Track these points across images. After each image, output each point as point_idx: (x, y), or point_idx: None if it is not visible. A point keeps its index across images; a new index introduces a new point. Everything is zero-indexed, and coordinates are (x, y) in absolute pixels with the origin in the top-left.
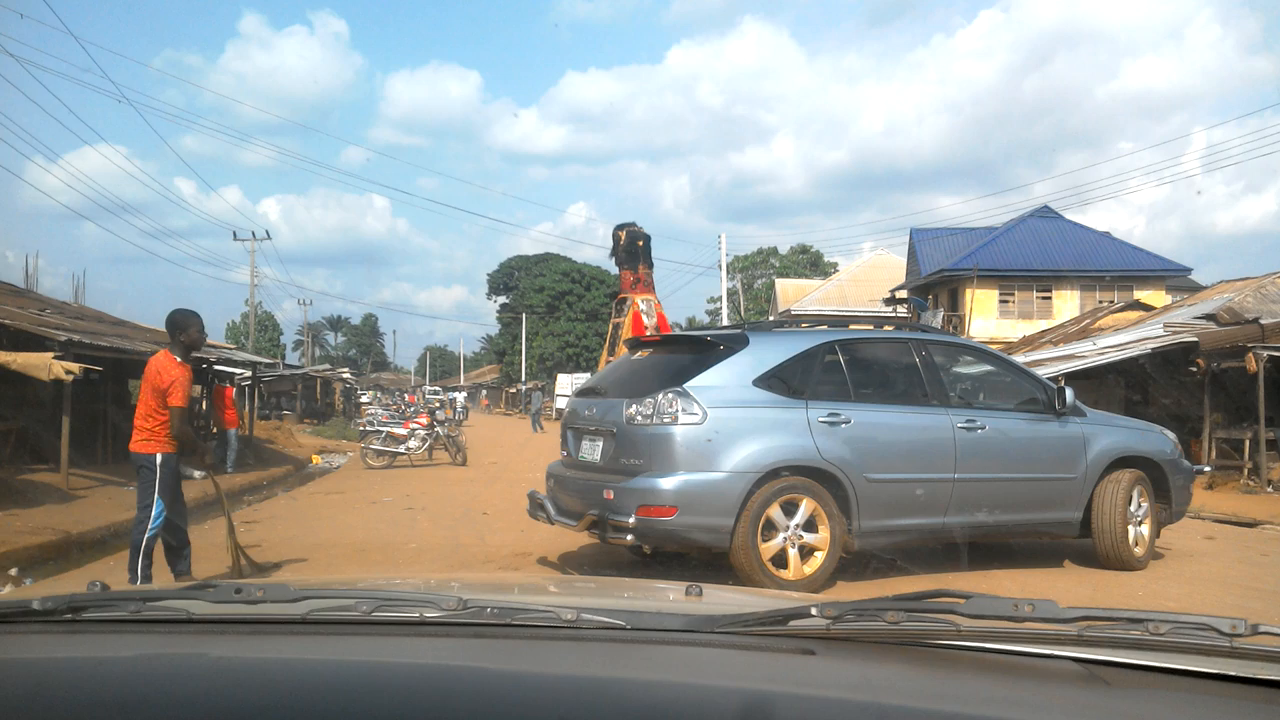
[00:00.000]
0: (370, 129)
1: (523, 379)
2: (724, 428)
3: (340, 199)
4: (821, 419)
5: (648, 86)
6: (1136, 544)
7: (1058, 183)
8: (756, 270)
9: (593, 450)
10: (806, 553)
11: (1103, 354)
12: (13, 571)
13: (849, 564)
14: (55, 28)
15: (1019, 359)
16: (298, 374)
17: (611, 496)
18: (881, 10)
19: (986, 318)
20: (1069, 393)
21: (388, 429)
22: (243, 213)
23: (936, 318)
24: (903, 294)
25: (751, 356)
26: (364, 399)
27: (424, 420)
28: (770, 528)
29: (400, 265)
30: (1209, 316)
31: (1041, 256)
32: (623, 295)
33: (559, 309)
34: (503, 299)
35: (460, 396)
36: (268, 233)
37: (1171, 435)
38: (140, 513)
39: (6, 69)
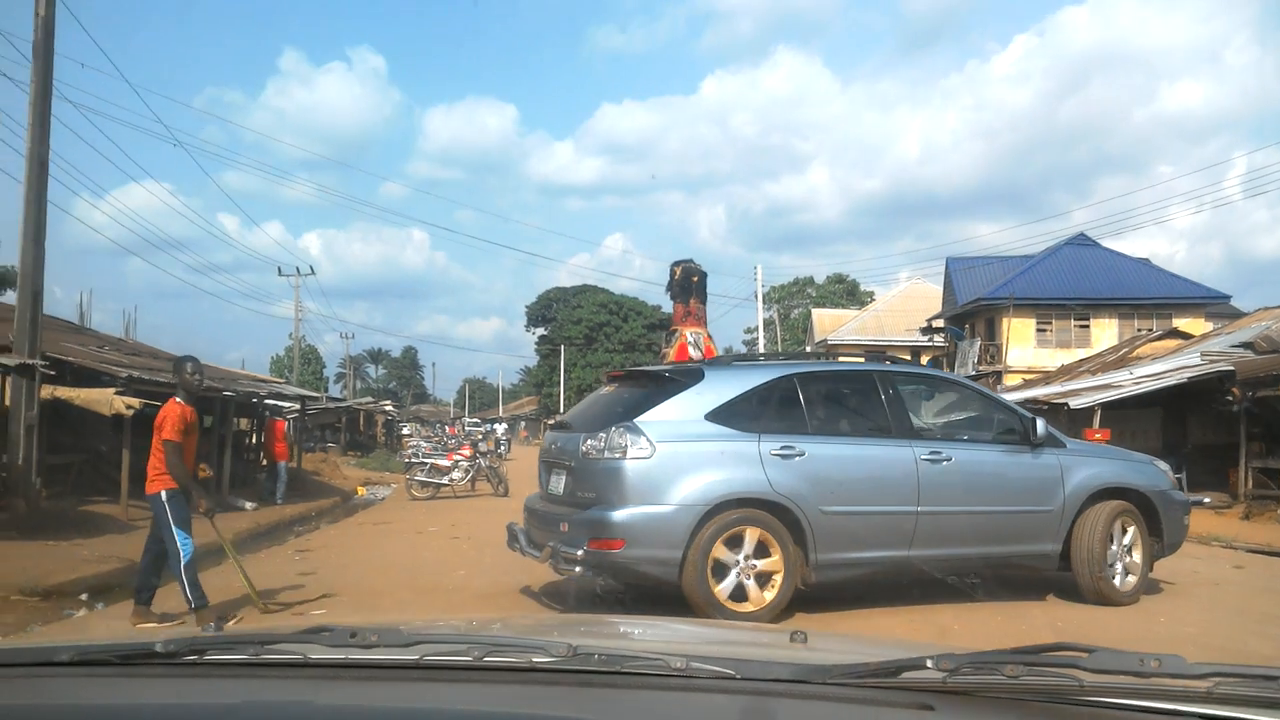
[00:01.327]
0: (408, 163)
1: (561, 410)
2: (673, 461)
3: (379, 232)
4: (774, 451)
5: (682, 117)
6: (1125, 576)
7: (1097, 209)
8: (793, 300)
9: (557, 483)
10: (763, 582)
11: (1139, 384)
12: (83, 597)
13: (815, 595)
14: (106, 73)
15: (1056, 388)
16: (342, 407)
17: (565, 529)
18: (915, 37)
19: (1024, 347)
20: (1040, 423)
21: (432, 461)
22: (285, 247)
23: (974, 347)
24: (939, 323)
25: (705, 391)
26: (404, 431)
27: (467, 452)
28: (722, 561)
29: (438, 298)
30: (1247, 345)
31: (1078, 285)
32: (674, 328)
33: (597, 340)
34: (541, 330)
35: (501, 428)
36: (312, 268)
37: (1164, 466)
38: (169, 547)
39: (63, 113)
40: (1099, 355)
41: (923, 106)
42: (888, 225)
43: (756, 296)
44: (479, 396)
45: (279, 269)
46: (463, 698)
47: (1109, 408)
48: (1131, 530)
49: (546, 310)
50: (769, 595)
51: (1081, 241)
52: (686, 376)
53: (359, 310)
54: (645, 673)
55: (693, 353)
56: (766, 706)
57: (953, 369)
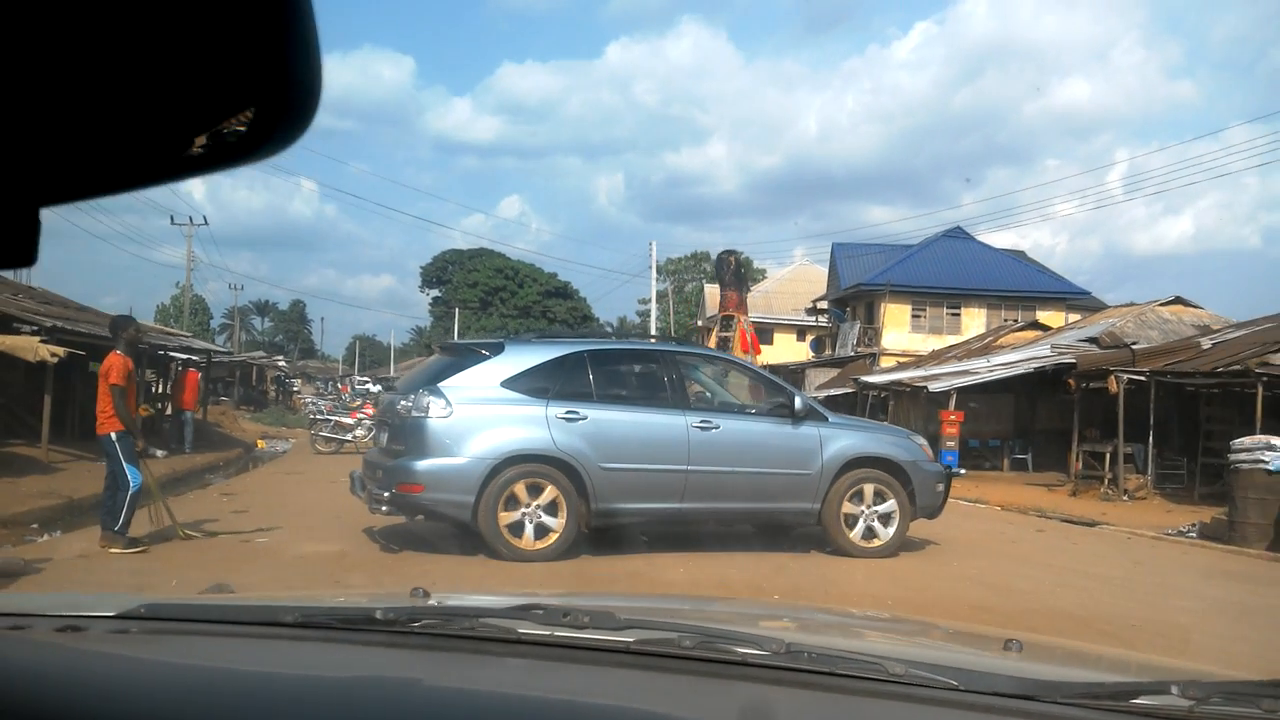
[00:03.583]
0: None
1: None
2: (469, 420)
3: (267, 181)
4: (559, 415)
5: (584, 81)
6: (872, 534)
7: (984, 196)
8: (687, 274)
9: (382, 437)
10: (543, 531)
11: (992, 371)
12: (34, 526)
13: (604, 539)
14: None
15: (920, 371)
16: (235, 361)
17: (380, 475)
18: (819, 18)
19: (899, 331)
20: (799, 399)
21: (335, 418)
22: (170, 190)
23: (854, 329)
24: (823, 305)
25: (504, 362)
26: (294, 388)
27: (370, 410)
28: (513, 504)
29: (328, 251)
30: (1093, 340)
31: (952, 275)
32: (727, 313)
33: (492, 304)
34: (435, 292)
35: (376, 388)
36: (205, 218)
37: (920, 440)
38: (116, 480)
39: None
40: (966, 343)
41: (823, 88)
42: (784, 202)
43: (651, 268)
44: (370, 354)
45: (171, 217)
46: (674, 688)
47: (967, 391)
48: (883, 495)
49: (442, 272)
50: (553, 537)
51: (956, 234)
52: (489, 350)
53: (244, 260)
54: (861, 676)
55: (750, 338)
56: None
57: (834, 349)
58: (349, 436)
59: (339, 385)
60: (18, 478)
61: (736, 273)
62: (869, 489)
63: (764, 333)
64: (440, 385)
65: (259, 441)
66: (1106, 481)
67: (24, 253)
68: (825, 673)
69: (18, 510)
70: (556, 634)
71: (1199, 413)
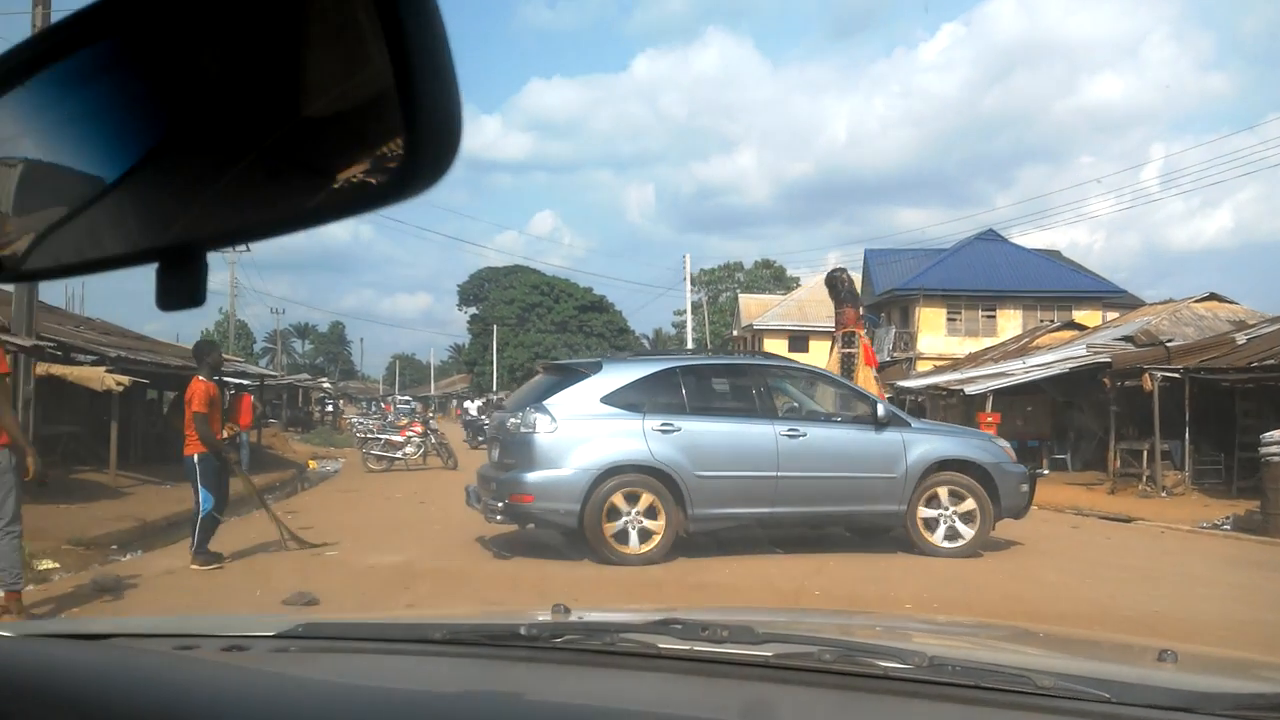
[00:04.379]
0: None
1: (494, 389)
2: (573, 434)
3: None
4: (655, 428)
5: (612, 95)
6: (955, 535)
7: (1018, 196)
8: (721, 285)
9: (494, 453)
10: (645, 535)
11: (1029, 372)
12: (114, 547)
13: (700, 544)
14: None
15: (957, 375)
16: (283, 384)
17: (494, 488)
18: (844, 22)
19: (935, 335)
20: (881, 406)
21: (385, 436)
22: None
23: (889, 335)
24: None
25: (603, 379)
26: (329, 408)
27: (419, 428)
28: (615, 512)
29: (363, 273)
30: (1128, 338)
31: (986, 277)
32: (848, 329)
33: (529, 320)
34: (473, 310)
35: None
36: (247, 245)
37: (1003, 443)
38: (195, 499)
39: None
40: (1002, 345)
41: (851, 92)
42: (815, 209)
43: (685, 281)
44: (409, 373)
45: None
46: (815, 702)
47: (1005, 393)
48: (966, 496)
49: (479, 290)
50: (645, 548)
51: (990, 237)
52: (589, 368)
53: (283, 283)
54: (1009, 689)
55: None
56: None
57: None
58: (399, 454)
59: (382, 404)
60: (90, 502)
61: (851, 290)
62: (947, 491)
63: (799, 340)
64: (545, 403)
65: (310, 462)
66: (1144, 479)
67: (194, 293)
68: (971, 685)
69: (97, 533)
70: (696, 648)
71: (1235, 408)
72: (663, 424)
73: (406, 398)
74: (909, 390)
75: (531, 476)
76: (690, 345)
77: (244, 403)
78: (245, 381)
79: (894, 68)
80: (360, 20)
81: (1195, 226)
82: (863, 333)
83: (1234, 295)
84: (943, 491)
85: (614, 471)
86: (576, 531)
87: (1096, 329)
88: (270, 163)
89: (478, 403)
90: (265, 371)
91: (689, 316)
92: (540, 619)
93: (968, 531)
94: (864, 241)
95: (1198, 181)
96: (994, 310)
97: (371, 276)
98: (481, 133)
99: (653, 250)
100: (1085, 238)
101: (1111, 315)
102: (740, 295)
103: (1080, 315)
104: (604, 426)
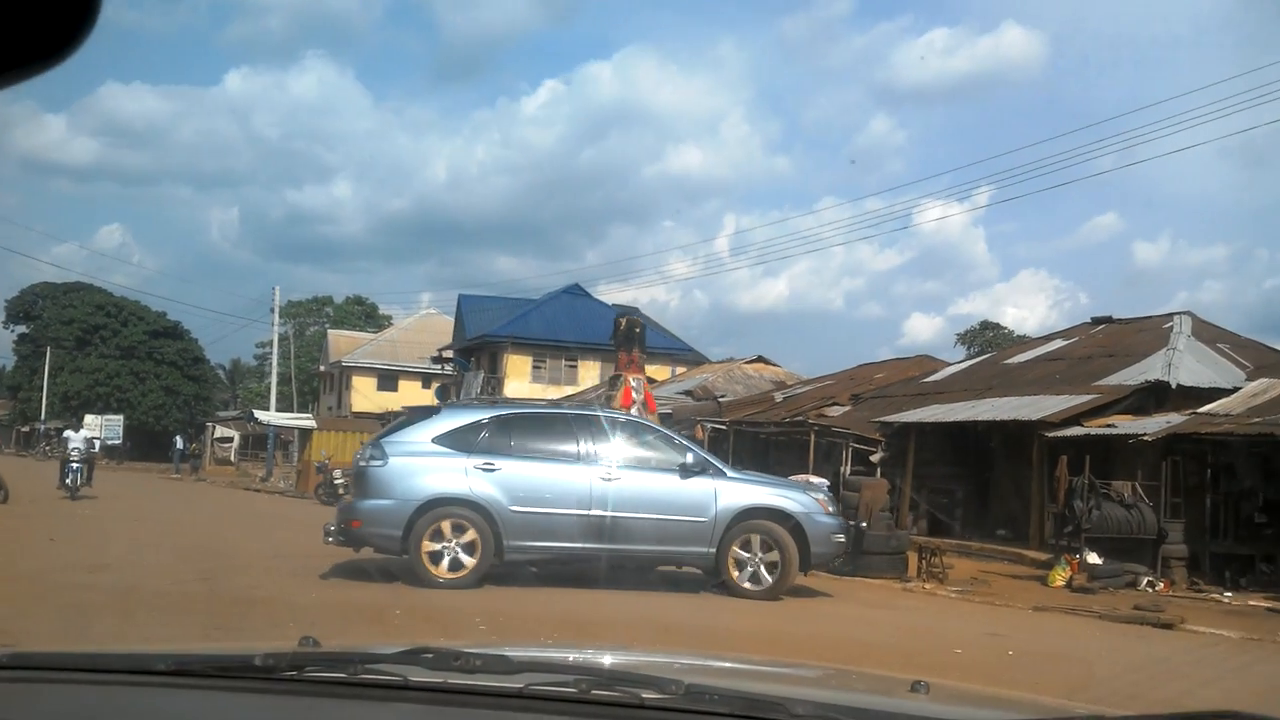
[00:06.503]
0: None
1: (41, 418)
2: (401, 469)
3: None
4: (477, 466)
5: (199, 108)
6: (760, 579)
7: (607, 252)
8: (309, 318)
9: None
10: (456, 565)
11: None
12: None
13: (513, 575)
14: None
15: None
16: None
17: (337, 513)
18: (449, 66)
19: (521, 381)
20: (694, 454)
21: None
22: None
23: (478, 379)
24: (449, 354)
25: (439, 422)
26: None
27: None
28: (439, 538)
29: None
30: (688, 392)
31: (570, 329)
32: (617, 373)
33: (91, 343)
34: (22, 328)
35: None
36: None
37: (819, 495)
38: None
39: None
40: (582, 394)
41: (453, 135)
42: (411, 247)
43: (274, 314)
44: None
45: None
46: None
47: None
48: (770, 543)
49: (30, 307)
50: (467, 568)
51: (574, 291)
52: (429, 412)
53: None
54: (764, 717)
55: (635, 396)
56: None
57: (458, 397)
58: None
59: None
60: None
61: (628, 333)
62: (758, 538)
63: (388, 379)
64: (381, 440)
65: None
66: None
67: None
68: (727, 714)
69: None
70: (449, 680)
71: (770, 455)
72: (485, 463)
73: None
74: None
75: (363, 505)
76: (274, 379)
77: None
78: None
79: (496, 116)
80: None
81: (758, 292)
82: (631, 378)
83: (782, 357)
84: (755, 538)
85: (435, 504)
86: (399, 555)
87: (665, 382)
88: None
89: (83, 433)
90: None
91: (274, 349)
92: (280, 650)
93: (767, 577)
94: (459, 286)
95: (763, 252)
96: (575, 360)
97: None
98: (43, 131)
99: (234, 276)
100: (663, 295)
101: (680, 370)
102: (330, 330)
103: (652, 370)
104: (431, 463)
